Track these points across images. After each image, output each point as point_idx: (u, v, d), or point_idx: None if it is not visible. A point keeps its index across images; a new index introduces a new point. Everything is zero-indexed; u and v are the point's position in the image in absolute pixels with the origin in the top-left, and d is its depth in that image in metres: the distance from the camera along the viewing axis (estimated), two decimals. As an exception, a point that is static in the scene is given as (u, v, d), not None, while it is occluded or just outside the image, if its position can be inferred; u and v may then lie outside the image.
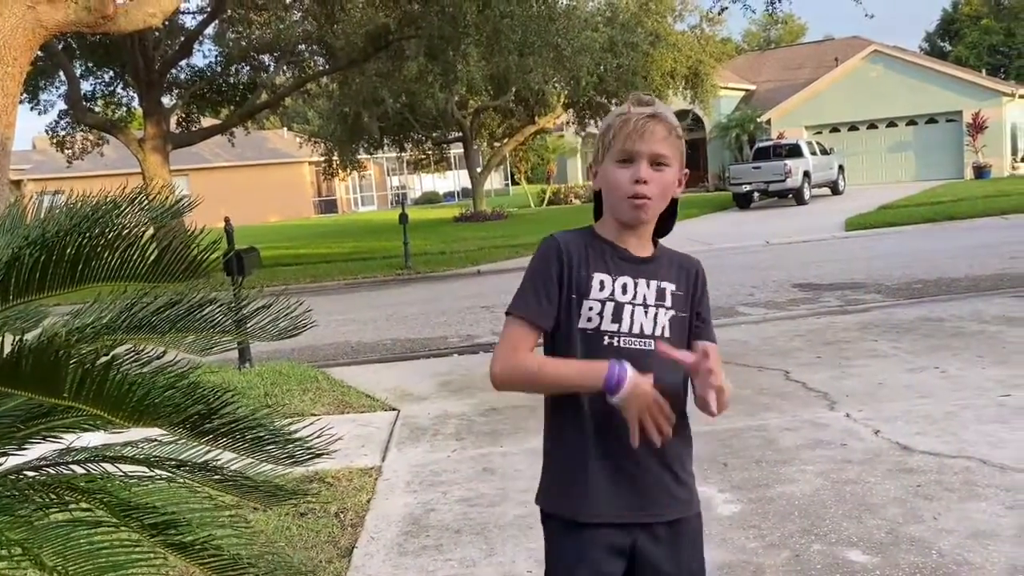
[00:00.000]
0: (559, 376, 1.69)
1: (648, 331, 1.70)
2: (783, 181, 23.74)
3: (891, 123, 31.16)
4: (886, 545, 3.23)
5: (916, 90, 29.93)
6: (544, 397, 1.79)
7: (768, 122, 33.03)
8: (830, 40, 42.49)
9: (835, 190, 26.80)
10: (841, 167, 27.28)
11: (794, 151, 24.82)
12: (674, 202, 1.79)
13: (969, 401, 4.98)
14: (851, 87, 31.10)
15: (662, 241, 1.84)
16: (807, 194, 24.34)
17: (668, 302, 1.74)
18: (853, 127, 31.81)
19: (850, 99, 30.98)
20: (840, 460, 4.20)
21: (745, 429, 4.83)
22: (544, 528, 1.82)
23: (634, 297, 1.71)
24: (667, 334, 1.72)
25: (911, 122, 30.91)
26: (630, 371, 1.62)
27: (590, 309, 1.69)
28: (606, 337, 1.69)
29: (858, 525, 3.43)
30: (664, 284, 1.75)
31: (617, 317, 1.69)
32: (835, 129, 31.93)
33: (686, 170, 1.78)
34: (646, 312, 1.71)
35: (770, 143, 26.86)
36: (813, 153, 25.42)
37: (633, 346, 1.69)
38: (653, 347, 1.68)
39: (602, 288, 1.70)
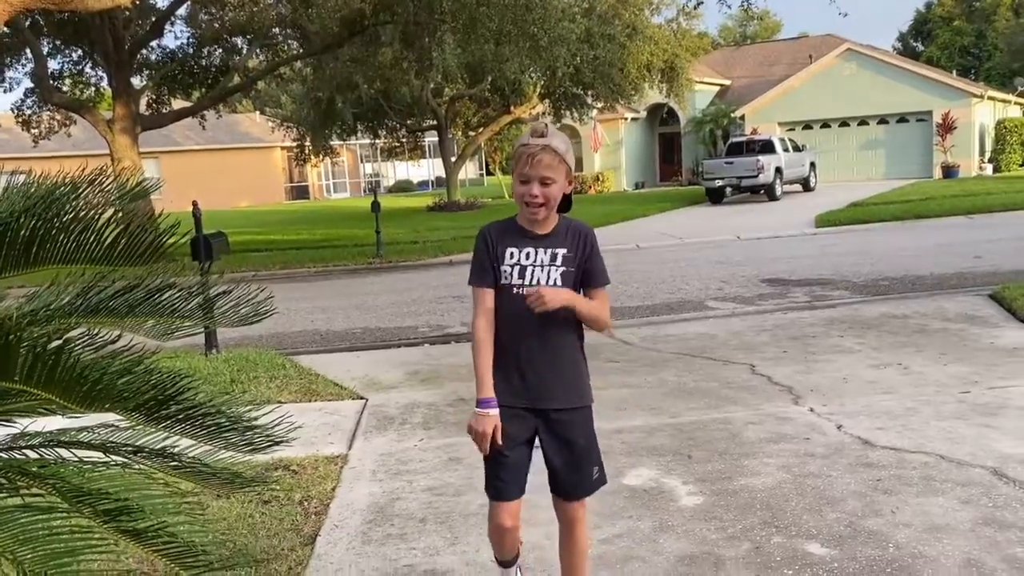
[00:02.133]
0: (475, 362, 2.56)
1: (544, 282, 2.52)
2: (755, 177, 23.91)
3: (863, 121, 31.50)
4: (845, 538, 3.28)
5: (888, 89, 30.27)
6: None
7: (742, 117, 33.25)
8: (805, 37, 42.80)
9: (806, 187, 27.06)
10: (813, 164, 27.53)
11: (767, 147, 25.00)
12: (568, 195, 2.58)
13: (930, 397, 5.06)
14: (824, 85, 31.38)
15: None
16: (779, 190, 24.55)
17: (559, 262, 2.54)
18: (825, 124, 32.11)
19: (823, 96, 31.27)
20: (803, 454, 4.25)
21: (710, 422, 4.87)
22: None
23: (534, 261, 2.55)
24: (559, 283, 2.54)
25: (882, 120, 31.28)
26: (493, 411, 2.52)
27: (505, 271, 2.55)
28: (515, 288, 2.54)
29: (818, 518, 3.48)
30: (557, 250, 2.55)
31: (522, 275, 2.54)
32: (808, 126, 32.22)
33: (576, 174, 2.67)
34: (543, 270, 2.54)
35: (743, 138, 27.01)
36: (785, 150, 25.63)
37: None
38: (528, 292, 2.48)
39: (512, 257, 2.55)
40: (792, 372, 5.85)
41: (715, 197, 24.80)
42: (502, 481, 2.60)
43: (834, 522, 3.43)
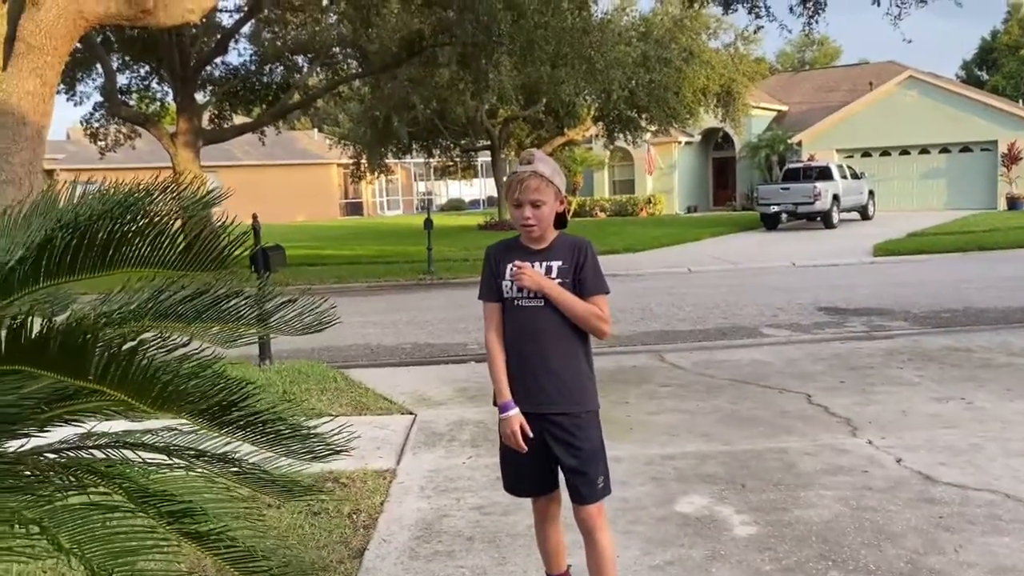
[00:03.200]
0: (491, 372, 2.81)
1: (540, 294, 2.71)
2: (812, 203, 23.55)
3: (924, 150, 30.87)
4: (905, 575, 3.17)
5: (951, 118, 29.63)
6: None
7: (799, 144, 32.83)
8: (865, 64, 42.22)
9: (864, 215, 26.56)
10: (871, 192, 27.04)
11: (824, 174, 24.62)
12: (562, 213, 2.80)
13: (995, 434, 4.89)
14: (885, 112, 30.85)
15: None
16: (836, 218, 24.14)
17: (554, 274, 2.73)
18: (885, 152, 31.54)
19: (883, 124, 30.73)
20: (860, 487, 4.13)
21: (765, 451, 4.77)
22: None
23: None
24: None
25: (944, 150, 30.61)
26: (513, 412, 2.73)
27: (505, 285, 2.76)
28: (515, 301, 2.75)
29: (877, 554, 3.37)
30: (552, 263, 2.74)
31: (520, 288, 2.72)
32: (867, 154, 31.66)
33: (568, 196, 2.84)
34: None
35: (800, 165, 26.63)
36: (843, 177, 25.22)
37: (529, 304, 2.74)
38: (543, 304, 2.71)
39: (511, 272, 2.74)
40: (850, 403, 5.71)
41: (770, 223, 24.48)
42: (510, 478, 2.89)
43: (894, 558, 3.32)
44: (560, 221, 2.80)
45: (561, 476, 2.81)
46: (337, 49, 20.47)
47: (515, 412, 2.71)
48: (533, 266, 2.73)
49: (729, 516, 3.84)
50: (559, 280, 2.70)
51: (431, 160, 38.33)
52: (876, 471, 4.35)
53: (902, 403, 5.66)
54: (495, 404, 2.78)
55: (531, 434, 2.71)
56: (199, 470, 1.82)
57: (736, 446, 4.90)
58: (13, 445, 1.72)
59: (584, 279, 2.73)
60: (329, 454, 1.83)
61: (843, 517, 3.76)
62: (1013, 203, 28.01)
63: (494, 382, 2.78)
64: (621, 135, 29.13)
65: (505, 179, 2.76)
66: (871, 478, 4.25)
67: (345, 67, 21.54)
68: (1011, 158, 28.49)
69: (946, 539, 3.48)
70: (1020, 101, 37.33)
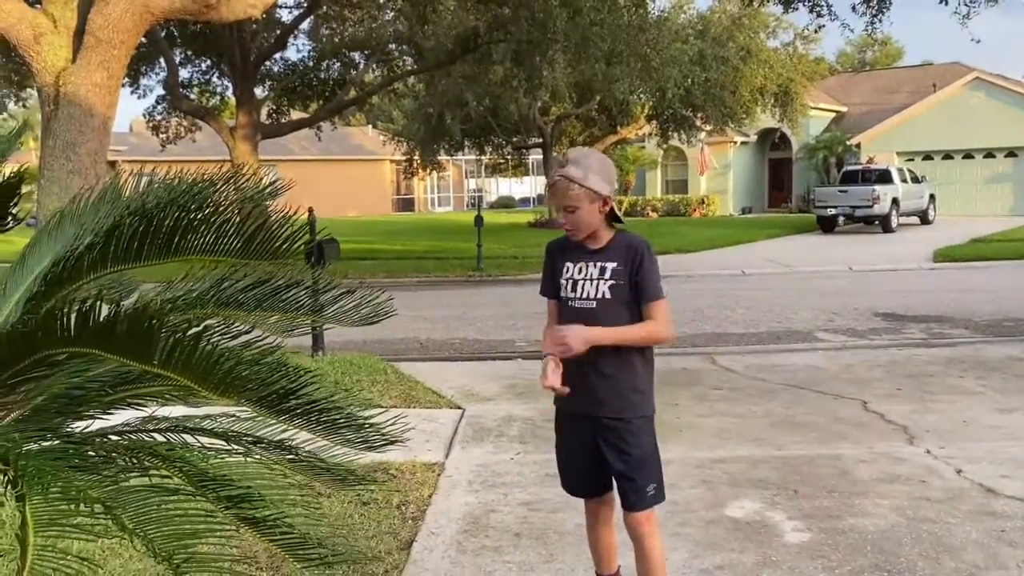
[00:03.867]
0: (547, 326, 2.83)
1: (593, 295, 2.68)
2: (870, 207, 23.04)
3: (989, 154, 29.97)
4: (965, 589, 3.08)
5: (1018, 121, 28.71)
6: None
7: (858, 146, 32.12)
8: (928, 65, 41.13)
9: (924, 219, 25.90)
10: (932, 196, 26.34)
11: (883, 177, 24.05)
12: (610, 209, 2.68)
13: (1061, 447, 4.72)
14: (948, 114, 30.02)
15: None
16: (895, 222, 23.57)
17: (608, 275, 2.66)
18: (948, 156, 30.70)
19: (946, 127, 29.91)
20: (918, 497, 4.03)
21: (818, 457, 4.68)
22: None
23: (586, 274, 2.70)
24: (607, 296, 2.66)
25: (1011, 154, 29.68)
26: (547, 361, 2.67)
27: (562, 284, 2.74)
28: (569, 301, 2.72)
29: (935, 566, 3.28)
30: (607, 264, 2.67)
31: (574, 288, 2.72)
32: (928, 157, 30.86)
33: (604, 194, 2.63)
34: (592, 283, 2.69)
35: (859, 167, 26.05)
36: (903, 180, 24.61)
37: (582, 305, 2.69)
38: (595, 306, 2.66)
39: (567, 271, 2.74)
40: (907, 411, 5.57)
41: (827, 226, 24.00)
42: (565, 477, 2.90)
43: (952, 572, 3.23)
44: (614, 218, 2.72)
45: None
46: (393, 46, 20.62)
47: (550, 357, 2.65)
48: (588, 267, 2.68)
49: (781, 522, 3.77)
50: (612, 281, 2.64)
51: (483, 157, 38.43)
52: (935, 481, 4.24)
53: (963, 412, 5.51)
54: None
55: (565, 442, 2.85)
56: (256, 456, 1.85)
57: (789, 451, 4.81)
58: (79, 426, 1.76)
59: (641, 283, 2.64)
60: (384, 444, 1.84)
61: (899, 527, 3.67)
62: (1082, 210, 27.04)
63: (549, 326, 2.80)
64: (675, 134, 28.85)
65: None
66: (929, 488, 4.14)
67: (400, 64, 21.69)
68: (1081, 163, 27.49)
69: (1008, 554, 3.37)
70: (1092, 104, 35.97)
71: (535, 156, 38.49)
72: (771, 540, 3.58)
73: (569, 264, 2.73)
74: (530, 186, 50.92)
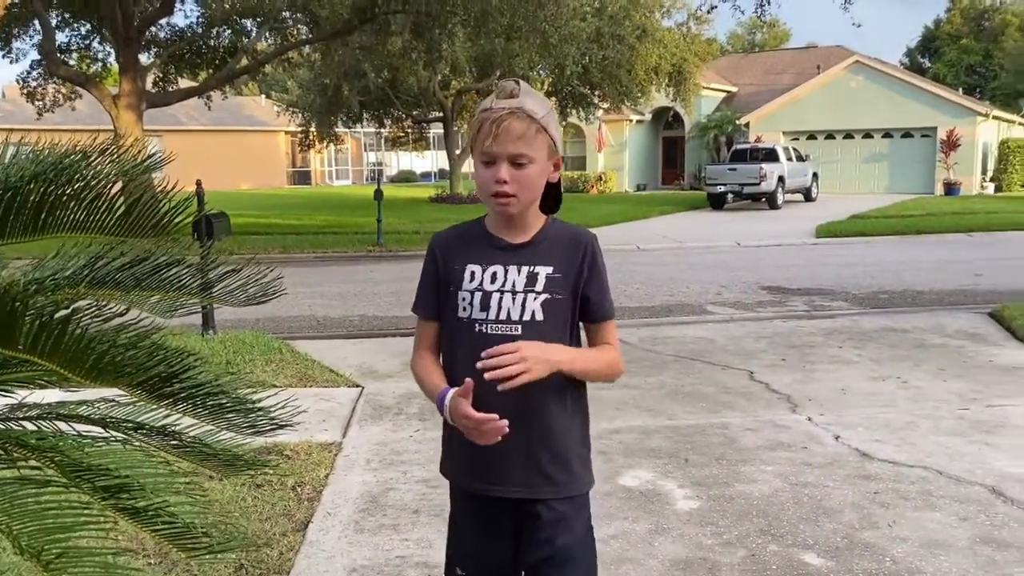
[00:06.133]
0: (423, 388, 1.91)
1: (515, 317, 1.77)
2: (758, 184, 23.90)
3: (867, 134, 31.50)
4: (841, 550, 3.25)
5: (894, 103, 30.27)
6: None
7: (747, 125, 33.22)
8: (813, 48, 42.78)
9: (808, 197, 27.06)
10: (815, 174, 27.53)
11: (770, 155, 25.01)
12: (553, 185, 1.84)
13: (929, 412, 5.04)
14: (831, 96, 31.37)
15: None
16: (780, 199, 24.54)
17: (539, 286, 1.79)
18: (830, 135, 32.11)
19: (829, 108, 31.26)
20: (800, 463, 4.23)
21: (708, 426, 4.84)
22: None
23: (503, 284, 1.79)
24: (539, 317, 1.78)
25: (887, 135, 31.28)
26: (448, 395, 1.77)
27: (463, 299, 1.81)
28: (476, 325, 1.80)
29: (815, 528, 3.45)
30: (538, 268, 1.79)
31: (485, 305, 1.79)
32: (812, 136, 32.20)
33: (560, 155, 1.83)
34: (514, 298, 1.78)
35: (747, 146, 27.01)
36: (789, 159, 25.62)
37: (499, 332, 1.77)
38: (520, 332, 1.75)
39: (472, 279, 1.81)
40: (791, 380, 5.83)
41: (717, 203, 24.78)
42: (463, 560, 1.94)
43: (831, 533, 3.41)
44: (552, 201, 1.88)
45: None
46: (287, 14, 19.96)
47: (452, 392, 1.77)
48: (507, 272, 1.79)
49: (672, 490, 3.90)
50: (546, 295, 1.78)
51: (382, 130, 37.89)
52: (815, 447, 4.46)
53: (841, 381, 5.80)
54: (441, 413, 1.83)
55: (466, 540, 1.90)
56: (137, 443, 1.77)
57: (680, 421, 4.97)
58: (-62, 416, 1.65)
59: (592, 297, 1.83)
60: (272, 428, 1.79)
61: (783, 492, 3.84)
62: (950, 188, 28.81)
63: (426, 388, 1.90)
64: (574, 111, 29.11)
65: (472, 120, 1.82)
66: (810, 454, 4.35)
67: (295, 32, 21.04)
68: (949, 145, 29.24)
69: (881, 514, 3.58)
70: (959, 89, 38.27)
71: (436, 130, 38.16)
72: (663, 508, 3.70)
73: (474, 268, 1.81)
74: (431, 160, 50.50)
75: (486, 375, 1.64)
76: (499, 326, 1.78)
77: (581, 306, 1.83)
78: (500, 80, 1.83)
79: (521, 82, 1.79)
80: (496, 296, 1.79)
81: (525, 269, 1.79)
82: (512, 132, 1.71)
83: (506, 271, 1.80)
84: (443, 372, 1.87)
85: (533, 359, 1.66)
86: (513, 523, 1.86)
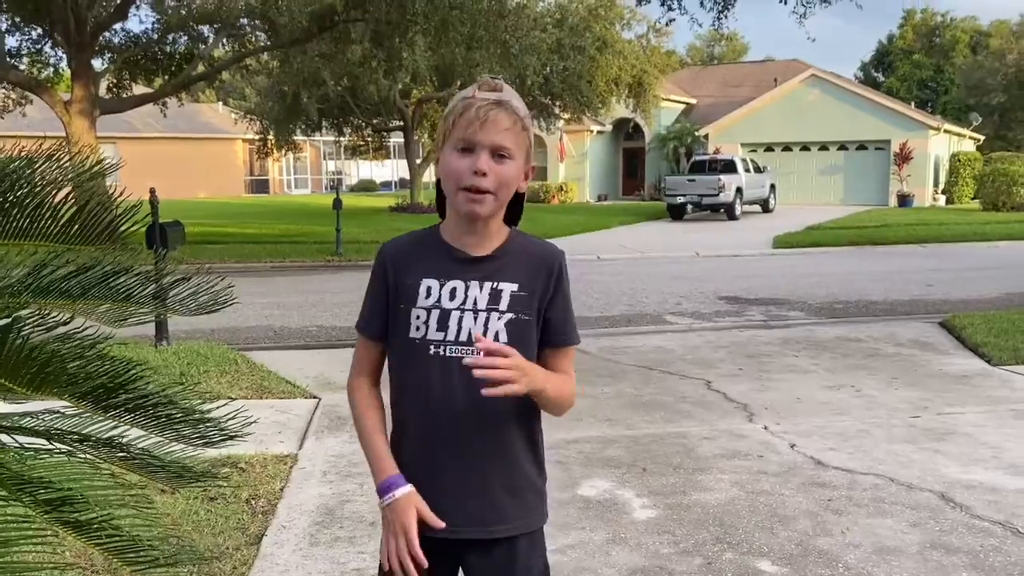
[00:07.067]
0: (363, 443, 1.73)
1: (477, 338, 1.60)
2: (716, 195, 24.21)
3: (823, 146, 32.11)
4: (795, 557, 3.29)
5: (849, 116, 30.91)
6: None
7: (706, 137, 33.66)
8: (771, 61, 43.59)
9: (765, 208, 27.47)
10: (773, 186, 27.97)
11: (729, 167, 25.36)
12: (519, 196, 1.69)
13: (882, 420, 5.13)
14: (788, 108, 31.92)
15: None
16: (738, 210, 24.87)
17: (503, 305, 1.63)
18: (787, 147, 32.66)
19: (786, 120, 31.81)
20: (756, 471, 4.27)
21: (665, 435, 4.87)
22: None
23: (463, 302, 1.64)
24: (503, 339, 1.63)
25: (842, 147, 31.92)
26: (401, 493, 1.63)
27: (417, 318, 1.64)
28: (432, 346, 1.63)
29: (770, 536, 3.49)
30: (502, 285, 1.64)
31: (443, 325, 1.63)
32: (770, 148, 32.72)
33: (532, 164, 1.69)
34: (475, 318, 1.63)
35: (706, 157, 27.37)
36: (747, 170, 26.00)
37: (459, 354, 1.61)
38: (482, 355, 1.54)
39: (428, 295, 1.64)
40: (747, 389, 5.89)
41: (676, 213, 25.04)
42: None
43: (786, 540, 3.44)
44: (514, 212, 1.72)
45: None
46: (244, 20, 19.76)
47: (408, 490, 1.63)
48: (468, 288, 1.64)
49: (630, 499, 3.91)
50: (510, 315, 1.64)
51: (341, 139, 37.60)
52: (771, 456, 4.51)
53: (796, 390, 5.88)
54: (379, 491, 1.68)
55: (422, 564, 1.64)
56: (83, 456, 1.72)
57: (638, 430, 4.99)
58: None
59: (556, 319, 1.69)
60: (223, 439, 1.76)
61: (739, 501, 3.87)
62: (903, 200, 29.48)
63: (367, 454, 1.73)
64: (535, 121, 29.17)
65: (449, 107, 1.64)
66: (766, 463, 4.40)
67: (253, 39, 20.83)
68: (902, 157, 29.93)
69: (834, 521, 3.63)
70: (912, 103, 39.22)
71: (396, 139, 38.03)
72: (620, 518, 3.70)
73: (430, 282, 1.65)
74: (391, 170, 50.29)
75: (475, 372, 1.49)
76: (459, 348, 1.61)
77: (543, 328, 1.68)
78: (482, 77, 1.68)
79: (496, 79, 1.66)
80: (456, 315, 1.63)
81: (488, 285, 1.63)
82: (500, 123, 1.57)
83: (467, 287, 1.63)
84: (386, 433, 1.72)
85: (521, 371, 1.52)
86: (462, 565, 1.72)
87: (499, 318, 1.63)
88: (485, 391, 1.51)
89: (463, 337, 1.62)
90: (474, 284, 1.63)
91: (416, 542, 1.59)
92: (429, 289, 1.64)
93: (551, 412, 1.71)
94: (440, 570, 1.69)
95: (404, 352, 1.67)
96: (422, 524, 1.62)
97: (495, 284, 1.64)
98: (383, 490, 1.65)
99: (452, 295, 1.63)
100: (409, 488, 1.63)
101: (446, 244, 1.67)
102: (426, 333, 1.63)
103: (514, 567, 1.70)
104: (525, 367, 1.55)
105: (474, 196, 1.58)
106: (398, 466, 1.67)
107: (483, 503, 1.67)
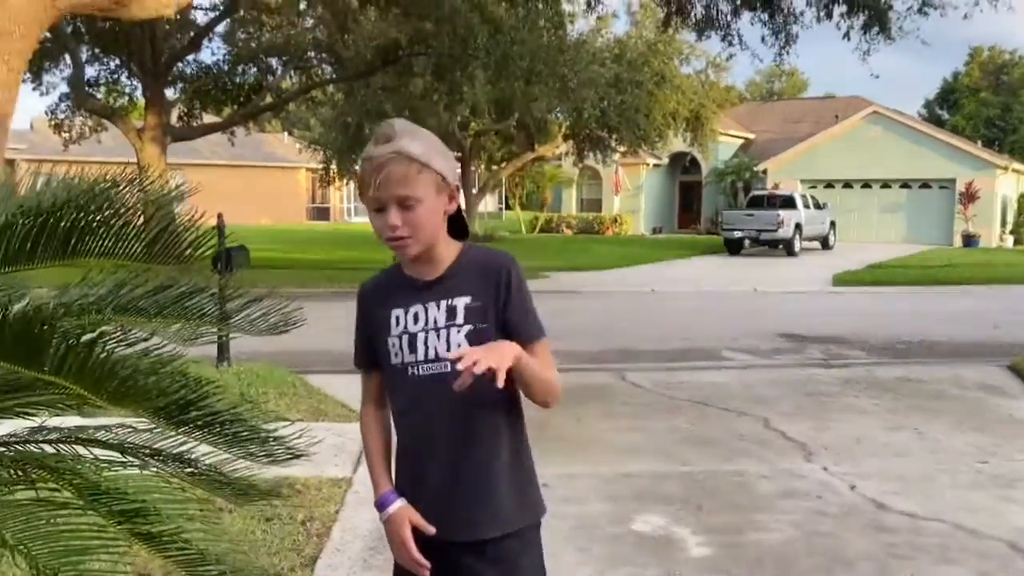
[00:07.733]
0: (367, 464, 1.95)
1: (443, 354, 1.74)
2: (775, 231, 23.91)
3: (885, 184, 31.52)
4: (856, 601, 3.20)
5: (912, 154, 30.32)
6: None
7: (764, 172, 33.32)
8: (831, 97, 43.05)
9: (825, 245, 27.01)
10: (833, 223, 27.52)
11: (788, 202, 25.04)
12: (458, 212, 1.82)
13: (946, 465, 4.97)
14: (848, 145, 31.46)
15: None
16: (797, 246, 24.52)
17: (459, 319, 1.76)
18: (847, 184, 32.14)
19: (847, 157, 31.33)
20: (815, 512, 4.17)
21: (722, 473, 4.80)
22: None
23: (425, 323, 1.78)
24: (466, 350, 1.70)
25: (905, 185, 31.28)
26: (393, 508, 1.81)
27: (393, 345, 1.80)
28: (409, 368, 1.79)
29: (829, 579, 3.40)
30: (455, 300, 1.77)
31: (413, 347, 1.78)
32: (830, 185, 32.24)
33: (456, 184, 1.79)
34: (438, 335, 1.77)
35: (765, 192, 27.06)
36: (806, 206, 25.64)
37: (430, 372, 1.77)
38: (448, 368, 1.68)
39: (398, 323, 1.80)
40: (806, 428, 5.77)
41: (733, 248, 24.78)
42: None
43: (846, 584, 3.35)
44: (458, 226, 1.84)
45: None
46: (312, 53, 20.33)
47: (401, 505, 1.80)
48: (425, 311, 1.77)
49: (685, 537, 3.85)
50: (469, 326, 1.75)
51: (401, 169, 38.17)
52: (830, 497, 4.40)
53: (857, 431, 5.74)
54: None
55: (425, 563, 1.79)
56: (153, 469, 1.78)
57: (694, 467, 4.92)
58: (-40, 436, 1.67)
59: (514, 319, 1.77)
60: (288, 457, 1.80)
61: (797, 541, 3.79)
62: (968, 240, 28.71)
63: (369, 471, 1.92)
64: (591, 154, 29.32)
65: (359, 168, 1.80)
66: (825, 504, 4.29)
67: (319, 72, 21.40)
68: (968, 197, 29.20)
69: (897, 567, 3.52)
70: (978, 142, 38.33)
71: (453, 170, 38.37)
72: (675, 555, 3.65)
73: (398, 312, 1.80)
74: (447, 200, 50.69)
75: (458, 365, 1.59)
76: (430, 366, 1.77)
77: (506, 332, 1.76)
78: (378, 126, 1.77)
79: (398, 122, 1.75)
80: (421, 336, 1.78)
81: (444, 303, 1.77)
82: (392, 177, 1.68)
83: (426, 309, 1.78)
84: (387, 455, 1.92)
85: (485, 351, 1.62)
86: (461, 565, 1.81)
87: (459, 331, 1.76)
88: (456, 384, 1.62)
89: (431, 355, 1.77)
90: (432, 305, 1.79)
91: (413, 550, 1.76)
92: (398, 318, 1.81)
93: (540, 395, 1.77)
94: (440, 570, 1.81)
95: (391, 378, 1.85)
96: (418, 530, 1.79)
97: (450, 301, 1.78)
98: (379, 506, 1.84)
99: (415, 319, 1.79)
100: (401, 502, 1.81)
101: (407, 276, 1.84)
102: (403, 358, 1.80)
103: (504, 566, 1.80)
104: (489, 347, 1.65)
105: (397, 244, 1.75)
106: (400, 480, 1.86)
107: (471, 509, 1.79)
